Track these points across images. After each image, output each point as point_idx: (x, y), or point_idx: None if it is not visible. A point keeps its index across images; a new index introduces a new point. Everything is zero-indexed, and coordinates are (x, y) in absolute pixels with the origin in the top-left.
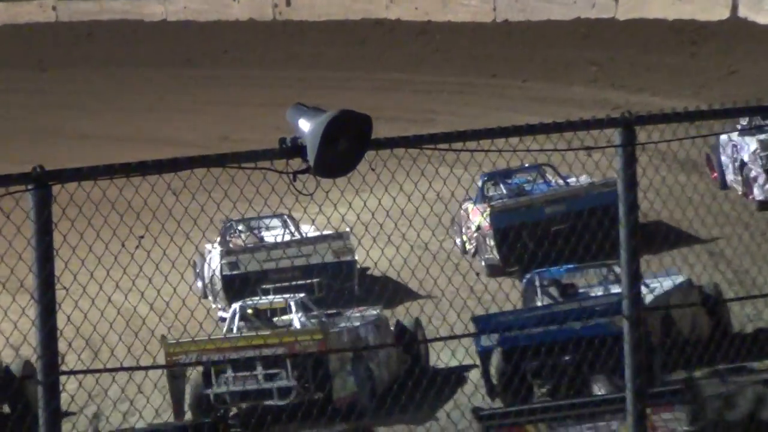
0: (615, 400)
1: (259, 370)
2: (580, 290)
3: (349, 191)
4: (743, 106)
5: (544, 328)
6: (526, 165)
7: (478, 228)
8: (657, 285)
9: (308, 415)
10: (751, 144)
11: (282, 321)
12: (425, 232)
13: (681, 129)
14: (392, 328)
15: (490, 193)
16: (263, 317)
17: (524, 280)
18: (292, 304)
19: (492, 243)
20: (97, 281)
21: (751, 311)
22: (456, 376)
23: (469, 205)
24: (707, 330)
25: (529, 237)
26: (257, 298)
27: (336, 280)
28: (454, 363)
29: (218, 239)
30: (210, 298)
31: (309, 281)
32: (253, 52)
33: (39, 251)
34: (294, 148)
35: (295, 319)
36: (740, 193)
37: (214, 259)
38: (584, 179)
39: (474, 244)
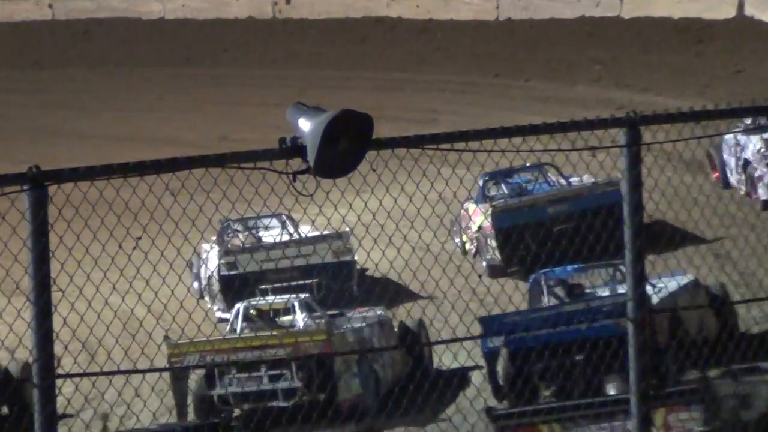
0: (629, 400)
1: (264, 371)
2: (587, 290)
3: (349, 192)
4: (750, 106)
5: (551, 329)
6: (527, 164)
7: (480, 228)
8: (663, 285)
9: (310, 417)
10: (755, 143)
11: (284, 321)
12: (427, 233)
13: (686, 129)
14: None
15: (492, 193)
16: (266, 318)
17: (530, 280)
18: (296, 304)
19: (494, 243)
20: (94, 283)
21: (758, 314)
22: (459, 378)
23: (470, 205)
24: (715, 330)
25: (531, 237)
26: (260, 298)
27: (335, 281)
28: (456, 365)
29: (215, 239)
30: (207, 298)
31: (308, 281)
32: (253, 51)
33: (35, 252)
34: (294, 148)
35: (299, 319)
36: (743, 192)
37: (211, 260)
38: (586, 178)
39: (474, 245)
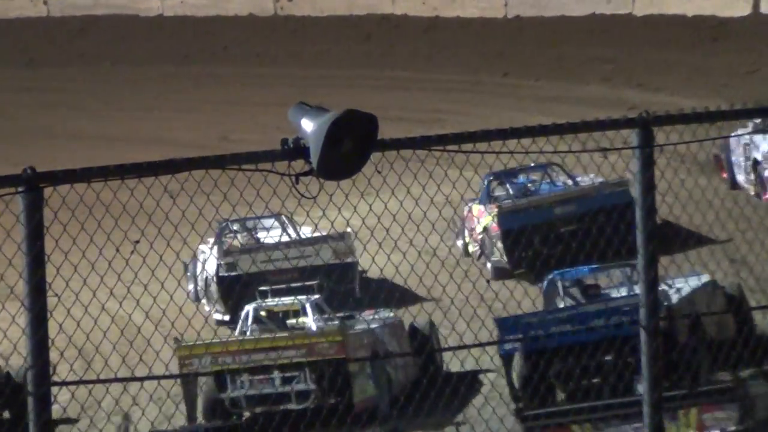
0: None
1: (276, 374)
2: (603, 291)
3: (353, 194)
4: (765, 107)
5: (567, 330)
6: (532, 164)
7: (485, 229)
8: (682, 285)
9: (324, 420)
10: (765, 143)
11: (295, 323)
12: (433, 236)
13: (701, 130)
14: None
15: (496, 193)
16: (276, 319)
17: (545, 281)
18: (308, 306)
19: (499, 245)
20: (90, 288)
21: None
22: (469, 380)
23: (473, 206)
24: (732, 331)
25: (538, 238)
26: (270, 299)
27: (336, 282)
28: (467, 368)
29: (212, 240)
30: (204, 300)
31: (308, 283)
32: (253, 49)
33: (30, 256)
34: (296, 150)
35: (311, 321)
36: (752, 193)
37: (209, 261)
38: (592, 177)
39: (478, 246)
